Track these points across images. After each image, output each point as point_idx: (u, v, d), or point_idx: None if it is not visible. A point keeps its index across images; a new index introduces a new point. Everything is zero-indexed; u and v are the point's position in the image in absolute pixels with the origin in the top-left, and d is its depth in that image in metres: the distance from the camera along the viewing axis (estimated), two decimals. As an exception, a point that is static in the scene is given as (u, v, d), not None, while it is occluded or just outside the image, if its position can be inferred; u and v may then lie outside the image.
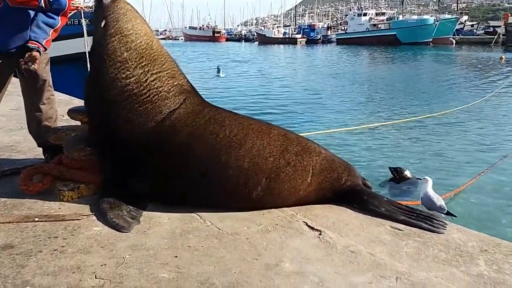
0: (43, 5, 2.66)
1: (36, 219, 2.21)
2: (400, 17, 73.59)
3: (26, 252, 1.91)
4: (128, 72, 2.30)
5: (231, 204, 2.33)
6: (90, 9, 13.18)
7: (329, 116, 12.43)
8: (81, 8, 12.35)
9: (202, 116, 2.35)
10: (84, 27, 9.76)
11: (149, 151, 2.32)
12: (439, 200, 4.71)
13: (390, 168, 6.98)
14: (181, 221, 2.25)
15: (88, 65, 7.77)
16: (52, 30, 2.91)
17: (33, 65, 2.75)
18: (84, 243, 2.00)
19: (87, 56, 7.92)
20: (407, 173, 6.76)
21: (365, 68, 29.90)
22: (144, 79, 2.31)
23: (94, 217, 2.26)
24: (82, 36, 9.89)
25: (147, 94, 2.31)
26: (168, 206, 2.36)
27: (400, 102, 14.99)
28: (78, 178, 2.51)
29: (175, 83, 2.39)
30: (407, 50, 48.22)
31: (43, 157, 3.18)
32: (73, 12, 11.62)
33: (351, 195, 2.49)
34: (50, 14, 2.87)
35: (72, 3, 13.95)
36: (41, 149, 3.23)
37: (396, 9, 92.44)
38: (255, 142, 2.32)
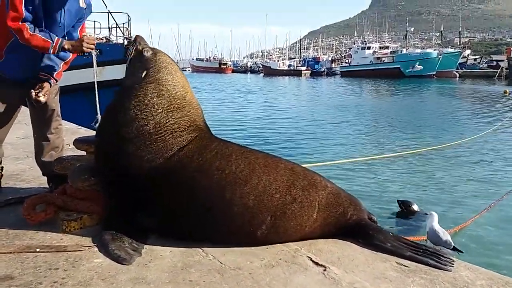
0: (51, 53, 2.75)
1: (38, 250, 2.19)
2: (404, 51, 74.72)
3: (25, 284, 1.88)
4: (150, 115, 2.35)
5: (234, 241, 2.30)
6: (100, 41, 13.53)
7: (333, 147, 12.45)
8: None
9: (209, 151, 2.36)
10: (94, 58, 9.97)
11: (156, 185, 2.32)
12: (445, 235, 4.64)
13: (398, 201, 6.91)
14: (183, 254, 2.21)
15: (96, 95, 7.91)
16: (63, 62, 3.00)
17: (42, 96, 2.80)
18: (84, 275, 1.97)
19: (96, 86, 8.08)
20: (415, 207, 6.69)
21: (369, 100, 30.16)
22: (164, 122, 2.36)
23: (96, 249, 2.23)
24: (91, 66, 10.10)
25: (162, 134, 2.35)
26: (170, 240, 2.33)
27: (405, 134, 15.02)
28: (81, 209, 2.50)
29: (192, 125, 2.43)
30: (411, 83, 48.68)
31: (48, 186, 3.18)
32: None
33: (357, 229, 2.46)
34: None
35: (84, 34, 14.38)
36: (46, 178, 3.25)
37: (399, 43, 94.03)
38: (261, 178, 2.31)
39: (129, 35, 13.64)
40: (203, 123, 2.54)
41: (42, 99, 2.82)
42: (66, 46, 2.75)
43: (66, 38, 2.95)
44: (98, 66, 10.80)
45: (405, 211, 6.71)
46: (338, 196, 2.49)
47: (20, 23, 2.63)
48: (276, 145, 12.41)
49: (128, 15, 14.30)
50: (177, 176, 2.31)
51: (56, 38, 2.73)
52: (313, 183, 2.44)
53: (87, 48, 2.80)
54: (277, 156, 2.60)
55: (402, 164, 10.20)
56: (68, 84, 12.10)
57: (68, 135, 5.67)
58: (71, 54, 3.03)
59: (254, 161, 2.38)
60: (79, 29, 3.07)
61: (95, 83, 8.58)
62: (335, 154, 11.19)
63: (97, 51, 11.10)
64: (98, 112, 5.97)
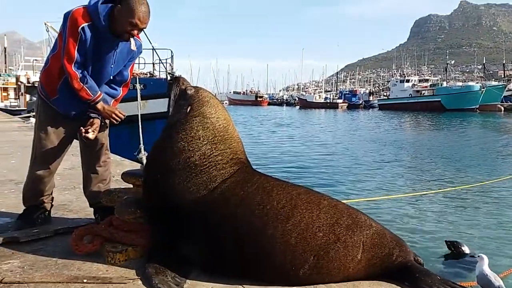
0: (89, 102, 2.92)
1: (85, 281, 2.24)
2: (444, 84, 73.29)
3: (73, 315, 1.92)
4: (197, 147, 2.43)
5: (275, 280, 2.25)
6: (145, 75, 14.16)
7: (373, 183, 12.16)
8: (137, 74, 13.30)
9: (251, 184, 2.38)
10: (138, 92, 10.42)
11: (198, 218, 2.35)
12: (497, 280, 4.36)
13: (446, 241, 6.56)
14: (224, 290, 2.20)
15: (140, 127, 8.20)
16: (114, 100, 3.15)
17: (91, 133, 2.96)
18: (129, 309, 1.99)
19: (139, 118, 8.39)
20: (464, 248, 6.32)
21: (409, 134, 29.49)
22: (209, 153, 2.43)
23: (140, 282, 2.26)
24: (136, 100, 10.54)
25: (206, 166, 2.41)
26: (212, 275, 2.33)
27: (448, 169, 14.50)
28: (127, 241, 2.56)
29: (234, 157, 2.49)
30: (452, 117, 47.36)
31: (94, 217, 3.28)
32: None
33: (402, 272, 2.35)
34: (112, 85, 3.13)
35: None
36: (92, 209, 3.36)
37: (439, 76, 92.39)
38: (304, 215, 2.28)
39: (172, 70, 14.19)
40: (244, 157, 2.58)
41: (91, 136, 2.97)
42: (99, 107, 2.93)
43: (117, 77, 3.12)
44: (142, 99, 11.29)
45: (454, 252, 6.34)
46: (383, 236, 2.42)
47: (73, 69, 2.80)
48: (314, 180, 12.27)
49: (171, 51, 14.94)
50: (219, 209, 2.33)
51: (98, 93, 2.91)
52: (358, 222, 2.38)
53: (113, 118, 3.01)
54: (319, 192, 2.56)
55: (447, 201, 9.79)
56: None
57: (113, 167, 5.84)
58: (121, 91, 3.19)
59: (296, 196, 2.36)
60: (129, 68, 3.19)
61: (139, 116, 8.94)
62: (375, 191, 10.92)
63: (141, 86, 11.63)
64: (141, 142, 6.18)
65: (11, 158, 6.76)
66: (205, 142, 2.45)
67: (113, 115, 3.00)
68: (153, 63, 14.60)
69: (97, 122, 3.02)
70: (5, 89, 37.38)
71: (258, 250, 2.25)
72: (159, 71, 14.86)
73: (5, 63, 52.23)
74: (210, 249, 2.35)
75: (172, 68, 14.55)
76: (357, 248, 2.29)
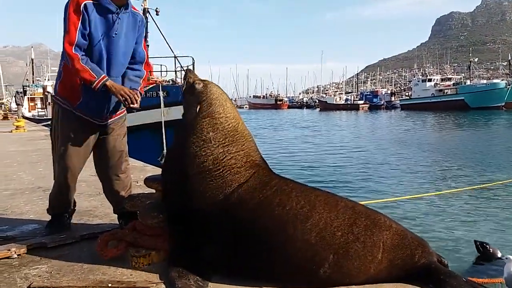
0: (94, 87, 2.83)
1: (110, 285, 2.30)
2: (468, 82, 71.65)
3: (99, 318, 1.97)
4: (209, 151, 2.43)
5: (296, 280, 2.26)
6: (167, 83, 14.39)
7: (396, 183, 11.99)
8: (159, 82, 13.53)
9: (269, 188, 2.39)
10: (162, 99, 10.65)
11: (217, 222, 2.38)
12: (526, 282, 4.23)
13: (475, 242, 6.38)
14: (246, 293, 2.22)
15: (163, 133, 8.30)
16: (141, 79, 3.19)
17: (136, 104, 2.95)
18: (153, 312, 2.03)
19: (163, 125, 8.57)
20: (493, 249, 6.12)
21: (433, 134, 28.92)
22: (222, 157, 2.43)
23: (163, 285, 2.30)
24: (159, 107, 10.75)
25: (221, 170, 2.41)
26: (234, 279, 2.35)
27: (473, 168, 14.18)
28: (150, 245, 2.61)
29: (248, 160, 2.48)
30: (477, 115, 46.19)
31: (118, 223, 3.36)
32: (152, 85, 12.78)
33: (426, 274, 2.32)
34: (135, 66, 3.17)
35: (151, 77, 15.40)
36: (116, 214, 3.43)
37: (462, 74, 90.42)
38: (322, 215, 2.28)
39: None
40: (259, 158, 2.57)
41: (136, 105, 2.95)
42: (108, 84, 2.85)
43: (136, 58, 3.17)
44: (165, 106, 11.50)
45: (482, 254, 6.17)
46: (404, 237, 2.39)
47: (73, 51, 2.78)
48: (333, 182, 12.18)
49: (192, 59, 15.14)
50: (238, 212, 2.35)
51: (102, 75, 2.85)
52: (377, 223, 2.36)
53: (122, 96, 2.88)
54: (337, 195, 2.57)
55: (473, 200, 9.57)
56: (136, 124, 12.93)
57: (136, 173, 6.00)
58: (144, 71, 3.23)
59: (314, 198, 2.37)
60: (143, 45, 3.23)
61: (162, 123, 9.13)
62: (398, 191, 10.76)
63: (164, 93, 11.85)
64: (165, 148, 6.31)
65: (38, 166, 6.98)
66: (216, 145, 2.44)
67: (122, 92, 2.90)
68: (175, 71, 14.83)
69: (137, 93, 3.01)
70: (33, 99, 38.51)
71: (278, 250, 2.26)
72: (181, 78, 15.07)
73: (33, 74, 53.85)
74: (231, 252, 2.37)
75: (194, 75, 14.73)
76: (377, 248, 2.27)
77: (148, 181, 2.86)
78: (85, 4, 2.80)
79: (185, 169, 2.46)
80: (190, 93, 2.61)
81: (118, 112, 3.23)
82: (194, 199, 2.43)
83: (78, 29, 2.79)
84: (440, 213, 8.57)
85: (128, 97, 2.89)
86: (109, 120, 3.17)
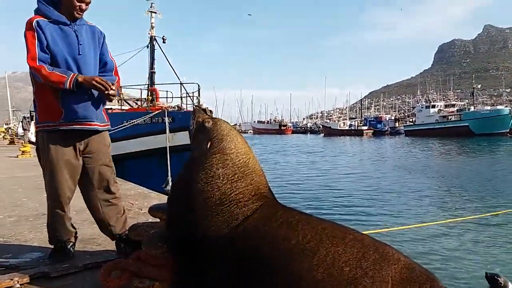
0: (67, 86, 2.89)
1: (113, 317, 2.27)
2: (472, 108, 71.86)
3: None
4: (217, 187, 2.41)
5: None
6: (173, 109, 14.55)
7: (401, 211, 11.84)
8: (165, 108, 13.68)
9: (274, 219, 2.36)
10: (167, 125, 10.76)
11: (221, 255, 2.35)
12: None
13: (486, 274, 6.22)
14: (251, 328, 2.17)
15: (168, 159, 8.33)
16: (114, 81, 3.21)
17: (112, 90, 3.03)
18: None
19: (168, 151, 8.64)
20: (505, 281, 5.95)
21: (438, 160, 28.79)
22: (229, 192, 2.41)
23: (166, 318, 2.27)
24: (165, 132, 10.87)
25: (228, 205, 2.39)
26: (239, 310, 2.31)
27: (480, 196, 13.99)
28: (154, 276, 2.58)
29: (256, 193, 2.46)
30: (482, 142, 46.06)
31: (116, 249, 3.35)
32: (158, 111, 12.92)
33: (435, 308, 2.26)
34: (106, 74, 3.23)
35: (157, 103, 15.60)
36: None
37: (466, 101, 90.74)
38: (330, 250, 2.24)
39: (199, 103, 14.56)
40: (267, 190, 2.55)
41: (112, 92, 3.03)
42: (80, 80, 2.90)
43: (105, 67, 3.25)
44: (170, 132, 11.61)
45: (493, 286, 5.99)
46: (413, 270, 2.34)
47: (37, 63, 2.86)
48: (342, 208, 12.08)
49: (198, 85, 15.35)
50: (242, 245, 2.31)
51: (72, 73, 2.91)
52: (385, 256, 2.31)
53: (97, 82, 2.94)
54: (344, 226, 2.52)
55: (481, 229, 9.39)
56: (141, 149, 13.02)
57: (140, 200, 5.99)
58: (116, 77, 3.29)
59: (321, 231, 2.33)
60: (109, 55, 3.32)
61: (167, 148, 9.20)
62: (404, 219, 10.62)
63: (170, 119, 12.00)
64: (169, 174, 6.34)
65: (43, 192, 6.90)
66: (225, 181, 2.42)
67: (94, 82, 2.94)
68: (181, 97, 15.02)
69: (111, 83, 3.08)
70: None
71: (283, 287, 2.21)
72: (186, 104, 15.25)
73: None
74: (235, 286, 2.33)
75: (199, 101, 14.91)
76: (385, 283, 2.22)
77: (153, 210, 2.85)
78: (37, 21, 2.93)
79: (191, 203, 2.44)
80: (200, 131, 2.62)
81: (102, 121, 3.22)
82: (199, 231, 2.41)
83: (35, 44, 2.88)
84: (448, 243, 8.43)
85: (102, 82, 2.95)
86: (96, 126, 3.15)
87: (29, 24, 2.91)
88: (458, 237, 8.85)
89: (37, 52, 2.87)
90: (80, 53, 3.04)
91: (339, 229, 2.42)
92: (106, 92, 2.99)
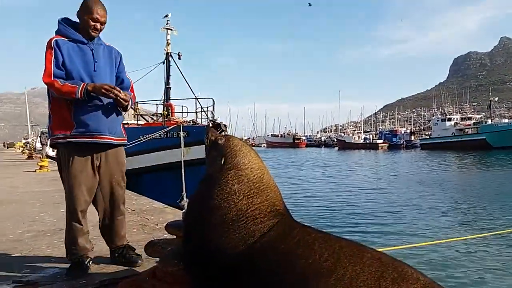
0: (79, 95, 3.02)
1: (129, 335, 2.26)
2: (489, 121, 70.79)
3: None
4: (233, 203, 2.42)
5: None
6: (188, 123, 14.70)
7: (419, 227, 11.62)
8: (180, 122, 13.82)
9: (291, 238, 2.34)
10: (182, 139, 10.87)
11: (237, 272, 2.33)
12: None
13: None
14: None
15: (183, 174, 8.38)
16: (130, 96, 3.34)
17: (122, 93, 3.15)
18: None
19: (182, 165, 8.68)
20: None
21: (456, 175, 28.29)
22: (246, 208, 2.41)
23: (183, 337, 2.25)
24: (179, 147, 10.97)
25: (244, 221, 2.39)
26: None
27: (500, 211, 13.66)
28: (170, 293, 2.58)
29: (272, 209, 2.46)
30: (501, 155, 45.15)
31: (112, 258, 3.56)
32: (173, 126, 13.07)
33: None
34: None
35: (172, 118, 15.79)
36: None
37: (483, 113, 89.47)
38: (347, 269, 2.20)
39: (213, 117, 14.67)
40: (283, 207, 2.54)
41: (122, 95, 3.14)
42: (89, 88, 3.04)
43: (122, 85, 3.37)
44: (185, 146, 11.70)
45: None
46: (432, 290, 2.29)
47: (52, 78, 3.01)
48: (357, 225, 11.89)
49: (213, 100, 15.50)
50: (259, 263, 2.30)
51: (82, 83, 3.05)
52: (404, 276, 2.26)
53: (104, 93, 3.06)
54: (362, 244, 2.48)
55: (502, 246, 9.15)
56: (156, 164, 13.13)
57: (156, 215, 6.02)
58: (132, 94, 3.41)
59: (338, 249, 2.30)
60: (125, 73, 3.46)
61: (182, 162, 9.24)
62: (422, 236, 10.42)
63: (184, 133, 12.12)
64: (184, 190, 6.35)
65: (60, 207, 7.06)
66: (241, 197, 2.43)
67: (103, 90, 3.05)
68: (196, 112, 15.18)
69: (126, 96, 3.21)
70: (56, 139, 39.61)
71: None
72: (201, 119, 15.40)
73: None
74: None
75: (213, 116, 15.03)
76: (405, 303, 2.18)
77: (169, 227, 2.86)
78: (55, 40, 3.11)
79: (207, 220, 2.45)
80: (214, 148, 2.66)
81: (118, 135, 3.31)
82: (216, 250, 2.40)
83: (52, 61, 3.04)
84: (468, 261, 8.20)
85: (110, 88, 3.06)
86: (110, 140, 3.24)
87: (48, 43, 3.09)
88: (479, 254, 8.62)
89: (52, 68, 3.04)
90: (95, 69, 3.20)
91: (357, 247, 2.39)
92: (118, 98, 3.12)
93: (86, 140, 3.13)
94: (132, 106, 3.45)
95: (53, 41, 3.09)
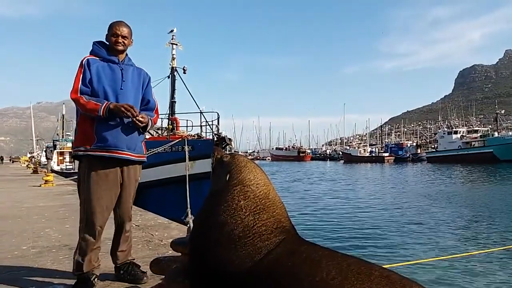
0: (101, 113, 3.14)
1: None
2: (496, 134, 70.41)
3: None
4: (239, 219, 2.40)
5: None
6: (193, 137, 14.72)
7: (427, 242, 11.47)
8: (185, 136, 13.86)
9: (298, 255, 2.31)
10: (187, 153, 10.87)
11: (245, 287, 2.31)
12: None
13: None
14: None
15: (187, 189, 8.35)
16: (152, 118, 3.48)
17: (140, 117, 3.26)
18: None
19: (187, 179, 8.68)
20: None
21: (463, 188, 27.99)
22: (252, 225, 2.40)
23: None
24: (184, 161, 10.97)
25: (251, 238, 2.37)
26: None
27: (507, 226, 13.48)
28: (175, 312, 2.54)
29: (278, 226, 2.44)
30: (508, 168, 44.72)
31: (117, 273, 3.56)
32: (178, 140, 13.10)
33: None
34: (146, 112, 3.47)
35: (177, 132, 15.84)
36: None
37: (489, 126, 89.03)
38: (355, 287, 2.18)
39: (218, 131, 14.68)
40: (289, 224, 2.52)
41: (140, 117, 3.25)
42: (111, 107, 3.14)
43: (148, 105, 3.52)
44: (190, 160, 11.71)
45: None
46: (442, 309, 2.25)
47: (78, 95, 3.14)
48: (364, 240, 11.76)
49: (218, 114, 15.54)
50: (265, 280, 2.27)
51: (106, 102, 3.16)
52: (412, 294, 2.23)
53: (123, 112, 3.15)
54: (370, 262, 2.45)
55: (508, 261, 9.00)
56: (161, 178, 13.13)
57: (160, 230, 5.99)
58: (155, 115, 3.55)
59: (346, 267, 2.26)
60: (152, 95, 3.60)
61: (187, 177, 9.23)
62: (429, 251, 10.28)
63: (189, 147, 12.13)
64: (189, 206, 6.32)
65: (65, 223, 7.06)
66: (247, 213, 2.42)
67: (123, 109, 3.15)
68: (201, 125, 15.22)
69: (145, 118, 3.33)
70: (62, 153, 39.95)
71: None
72: (206, 133, 15.42)
73: (63, 129, 56.12)
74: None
75: (218, 129, 15.05)
76: (412, 322, 2.13)
77: (175, 244, 2.85)
78: (87, 59, 3.27)
79: (214, 236, 2.43)
80: (219, 166, 2.68)
81: (137, 152, 3.38)
82: (222, 267, 2.38)
83: (80, 79, 3.19)
84: (477, 276, 8.06)
85: (128, 108, 3.16)
86: (128, 156, 3.31)
87: (81, 62, 3.27)
88: (487, 270, 8.47)
89: (79, 86, 3.19)
90: (122, 88, 3.33)
91: (365, 265, 2.35)
92: (134, 118, 3.22)
93: (104, 154, 3.20)
94: (152, 129, 3.62)
95: (84, 60, 3.26)
